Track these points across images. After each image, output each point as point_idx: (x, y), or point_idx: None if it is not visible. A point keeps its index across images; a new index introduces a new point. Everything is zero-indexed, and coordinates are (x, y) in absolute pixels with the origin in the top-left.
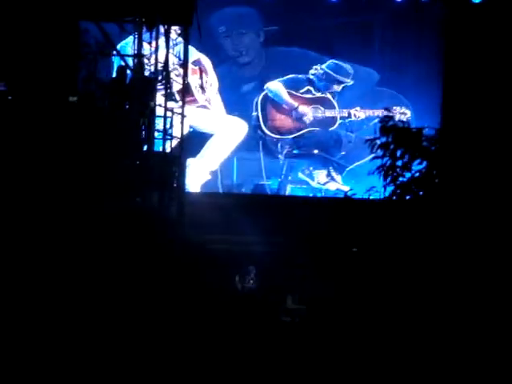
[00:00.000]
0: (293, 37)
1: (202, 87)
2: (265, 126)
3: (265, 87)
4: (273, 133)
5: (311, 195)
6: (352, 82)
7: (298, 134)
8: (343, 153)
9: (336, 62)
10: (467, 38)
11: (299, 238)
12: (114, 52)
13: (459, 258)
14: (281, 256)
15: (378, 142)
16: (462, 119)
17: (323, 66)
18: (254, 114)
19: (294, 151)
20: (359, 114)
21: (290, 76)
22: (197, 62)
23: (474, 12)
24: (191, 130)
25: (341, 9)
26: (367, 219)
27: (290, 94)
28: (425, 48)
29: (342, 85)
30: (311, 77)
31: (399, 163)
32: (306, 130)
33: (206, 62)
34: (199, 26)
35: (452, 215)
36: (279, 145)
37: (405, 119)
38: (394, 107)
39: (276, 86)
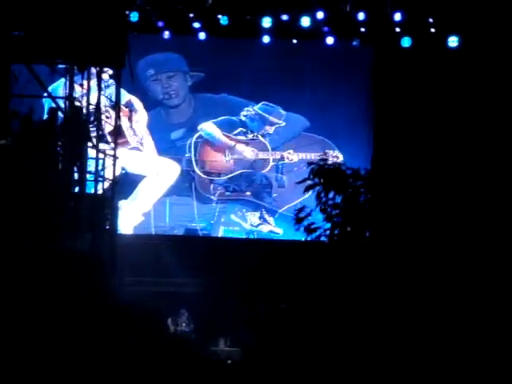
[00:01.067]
0: (221, 83)
1: (133, 129)
2: (197, 167)
3: (198, 128)
4: (205, 174)
5: (244, 237)
6: (284, 124)
7: (231, 175)
8: (275, 195)
9: (267, 103)
10: (396, 81)
11: (231, 279)
12: (45, 94)
13: (392, 295)
14: (213, 298)
15: (310, 182)
16: (391, 163)
17: (255, 108)
18: (187, 155)
19: (227, 193)
20: (292, 156)
21: (223, 118)
22: (128, 103)
23: (403, 56)
24: (123, 171)
25: (271, 52)
26: (297, 261)
27: (223, 136)
28: (355, 92)
29: (275, 126)
30: (243, 118)
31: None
32: (238, 172)
33: (137, 103)
34: (131, 68)
35: (383, 255)
36: (212, 187)
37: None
38: (327, 151)
39: (210, 127)
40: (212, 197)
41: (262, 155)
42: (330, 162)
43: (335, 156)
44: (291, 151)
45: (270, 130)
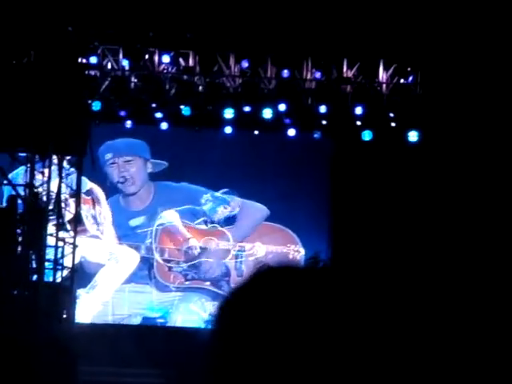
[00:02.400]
0: (182, 171)
1: (93, 217)
2: (157, 254)
3: (160, 216)
4: (165, 261)
5: (203, 327)
6: (238, 210)
7: (190, 263)
8: (234, 285)
9: (227, 190)
10: (356, 174)
11: (190, 369)
12: (5, 181)
13: None
14: None
15: None
16: (350, 253)
17: (215, 194)
18: (148, 241)
19: (186, 282)
20: (254, 249)
21: (186, 207)
22: (89, 192)
23: (364, 149)
24: (82, 260)
25: (233, 143)
26: None
27: (185, 225)
28: (316, 183)
29: (234, 212)
30: (205, 208)
31: None
32: (197, 260)
33: (99, 192)
34: (92, 157)
35: None
36: (171, 275)
37: (298, 257)
38: (289, 245)
39: (171, 215)
40: (171, 285)
41: (222, 245)
42: (290, 257)
43: (297, 250)
44: (256, 244)
45: (234, 220)
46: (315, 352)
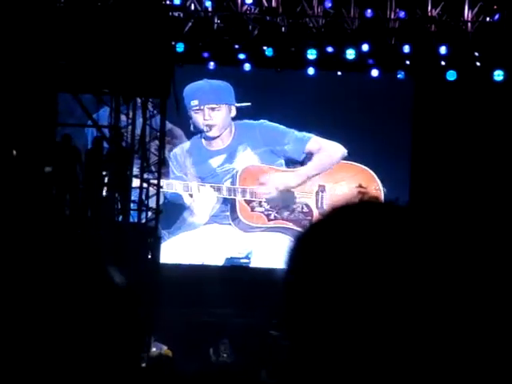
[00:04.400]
0: (263, 112)
1: (176, 158)
2: (239, 195)
3: (241, 156)
4: (246, 203)
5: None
6: (324, 151)
7: (272, 203)
8: None
9: (308, 131)
10: (440, 114)
11: (273, 310)
12: (90, 122)
13: None
14: (255, 328)
15: None
16: (429, 195)
17: (296, 135)
18: (229, 183)
19: (269, 222)
20: (335, 187)
21: (264, 149)
22: (168, 133)
23: (448, 89)
24: (166, 201)
25: (316, 84)
26: None
27: (265, 165)
28: (399, 124)
29: (315, 153)
30: (285, 147)
31: None
32: (279, 201)
33: (178, 133)
34: (176, 99)
35: None
36: (254, 216)
37: (379, 196)
38: (370, 183)
39: (252, 157)
40: (253, 225)
41: (303, 184)
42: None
43: (378, 189)
44: (337, 183)
45: (311, 157)
46: (388, 289)
